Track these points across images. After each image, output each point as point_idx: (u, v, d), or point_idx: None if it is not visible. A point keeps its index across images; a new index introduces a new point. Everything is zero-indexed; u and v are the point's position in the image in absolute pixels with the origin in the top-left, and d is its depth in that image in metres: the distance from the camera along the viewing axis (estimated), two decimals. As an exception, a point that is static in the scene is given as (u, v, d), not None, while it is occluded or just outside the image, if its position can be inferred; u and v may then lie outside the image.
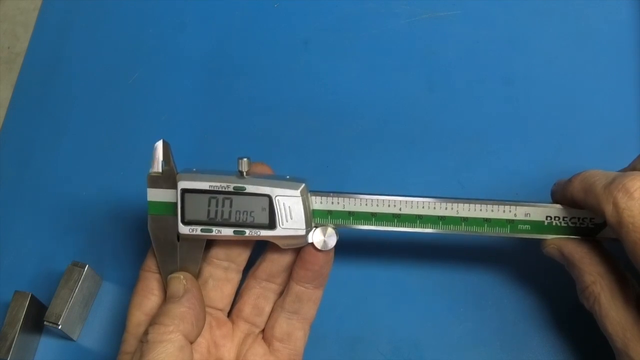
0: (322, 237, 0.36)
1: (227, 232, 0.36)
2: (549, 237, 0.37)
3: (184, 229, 0.36)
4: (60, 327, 0.40)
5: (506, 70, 0.48)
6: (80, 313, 0.42)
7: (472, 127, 0.47)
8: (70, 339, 0.42)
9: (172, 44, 0.51)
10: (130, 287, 0.44)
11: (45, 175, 0.48)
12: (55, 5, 0.54)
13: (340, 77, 0.49)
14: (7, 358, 0.40)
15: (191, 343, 0.34)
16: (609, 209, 0.33)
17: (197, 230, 0.36)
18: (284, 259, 0.38)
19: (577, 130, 0.46)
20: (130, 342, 0.35)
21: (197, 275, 0.37)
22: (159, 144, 0.36)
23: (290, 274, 0.38)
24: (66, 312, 0.41)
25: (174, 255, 0.37)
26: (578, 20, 0.49)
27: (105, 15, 0.53)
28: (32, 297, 0.41)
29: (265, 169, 0.38)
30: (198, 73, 0.50)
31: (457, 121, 0.47)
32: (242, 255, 0.38)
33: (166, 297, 0.36)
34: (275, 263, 0.38)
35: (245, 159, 0.36)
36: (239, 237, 0.36)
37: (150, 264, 0.38)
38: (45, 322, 0.40)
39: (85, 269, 0.42)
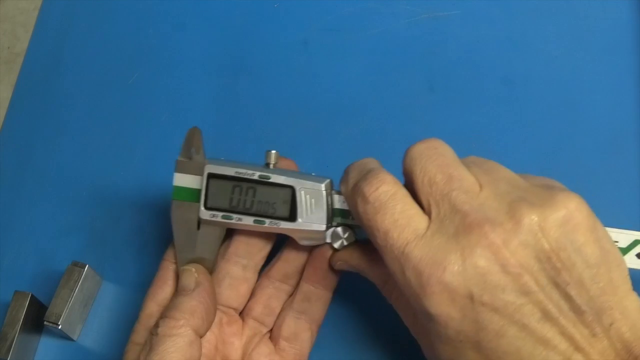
0: (341, 237, 0.36)
1: (248, 220, 0.36)
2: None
3: (205, 214, 0.36)
4: (60, 327, 0.40)
5: (506, 70, 0.48)
6: (80, 313, 0.42)
7: (472, 127, 0.47)
8: (70, 339, 0.42)
9: (172, 44, 0.51)
10: (130, 287, 0.44)
11: (45, 175, 0.48)
12: (55, 5, 0.54)
13: (340, 77, 0.49)
14: (7, 358, 0.40)
15: (200, 337, 0.34)
16: (353, 213, 0.33)
17: (217, 216, 0.36)
18: (299, 260, 0.38)
19: (577, 130, 0.46)
20: (140, 333, 0.35)
21: (212, 266, 0.37)
22: (192, 131, 0.37)
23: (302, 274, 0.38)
24: (66, 312, 0.41)
25: (192, 243, 0.37)
26: (578, 20, 0.49)
27: (105, 15, 0.53)
28: (32, 297, 0.41)
29: (291, 164, 0.38)
30: (198, 73, 0.50)
31: (457, 121, 0.47)
32: (262, 252, 0.38)
33: (177, 289, 0.36)
34: (290, 263, 0.38)
35: (273, 152, 0.36)
36: (258, 226, 0.36)
37: (171, 253, 0.37)
38: (45, 322, 0.40)
39: (85, 269, 0.42)
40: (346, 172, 0.35)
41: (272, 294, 0.38)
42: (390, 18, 0.51)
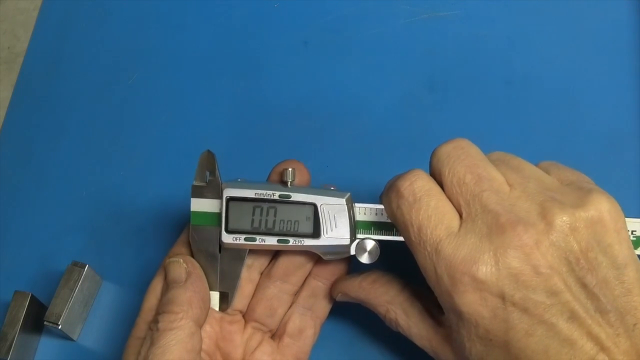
0: (365, 250, 0.36)
1: (271, 241, 0.36)
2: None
3: (227, 238, 0.36)
4: (60, 327, 0.40)
5: (506, 70, 0.48)
6: (80, 313, 0.42)
7: (472, 127, 0.47)
8: (70, 339, 0.42)
9: (172, 44, 0.51)
10: (130, 287, 0.44)
11: (45, 175, 0.48)
12: (55, 5, 0.54)
13: (340, 77, 0.49)
14: (7, 358, 0.40)
15: (200, 327, 0.34)
16: (387, 211, 0.33)
17: (240, 239, 0.36)
18: (299, 259, 0.38)
19: (576, 130, 0.46)
20: (141, 327, 0.35)
21: (236, 289, 0.37)
22: (205, 155, 0.36)
23: (305, 274, 0.38)
24: (66, 312, 0.41)
25: (215, 267, 0.36)
26: (578, 20, 0.49)
27: (105, 15, 0.53)
28: (32, 297, 0.41)
29: (301, 168, 0.37)
30: (198, 73, 0.50)
31: (457, 121, 0.47)
32: (266, 253, 0.38)
33: (167, 282, 0.35)
34: (290, 261, 0.38)
35: (290, 169, 0.36)
36: (282, 246, 0.36)
37: (176, 251, 0.37)
38: (45, 322, 0.40)
39: (85, 269, 0.42)
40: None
41: (274, 295, 0.38)
42: (390, 18, 0.51)
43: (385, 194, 0.33)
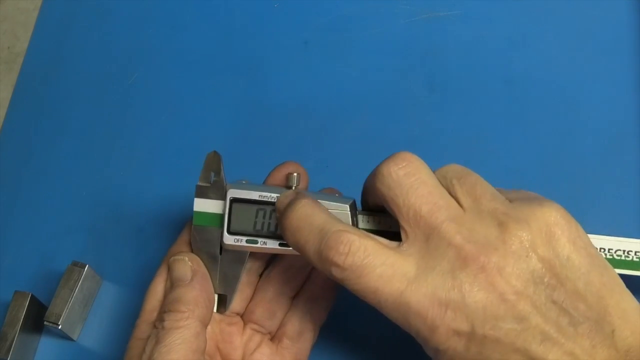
0: None
1: (273, 244, 0.35)
2: None
3: (229, 239, 0.36)
4: (60, 327, 0.40)
5: (506, 70, 0.48)
6: (80, 313, 0.42)
7: (472, 127, 0.47)
8: (70, 339, 0.42)
9: (172, 44, 0.51)
10: (130, 287, 0.44)
11: (45, 175, 0.48)
12: (55, 5, 0.54)
13: (340, 77, 0.49)
14: (7, 358, 0.40)
15: (205, 326, 0.34)
16: (332, 278, 0.30)
17: (242, 241, 0.36)
18: (299, 261, 0.37)
19: (576, 130, 0.46)
20: (142, 328, 0.35)
21: (235, 292, 0.37)
22: (211, 155, 0.36)
23: (304, 277, 0.38)
24: (66, 312, 0.41)
25: (215, 269, 0.36)
26: (578, 20, 0.49)
27: (105, 15, 0.53)
28: (32, 297, 0.41)
29: (303, 173, 0.37)
30: (198, 73, 0.50)
31: (457, 121, 0.47)
32: (263, 255, 0.38)
33: (172, 280, 0.35)
34: (290, 264, 0.38)
35: (295, 174, 0.36)
36: (284, 250, 0.35)
37: (176, 249, 0.37)
38: (45, 322, 0.41)
39: (85, 269, 0.42)
40: (289, 225, 0.32)
41: (273, 298, 0.38)
42: (390, 18, 0.51)
43: (320, 266, 0.31)
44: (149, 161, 0.48)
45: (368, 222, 0.35)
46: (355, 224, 0.35)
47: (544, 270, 0.29)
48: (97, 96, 0.50)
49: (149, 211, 0.46)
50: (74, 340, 0.43)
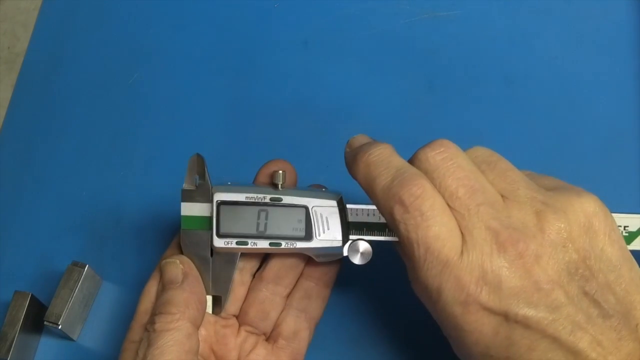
0: (358, 251, 0.36)
1: (263, 244, 0.35)
2: None
3: (218, 242, 0.36)
4: (60, 327, 0.40)
5: (506, 70, 0.48)
6: (80, 313, 0.42)
7: (472, 126, 0.47)
8: (70, 339, 0.42)
9: (172, 44, 0.51)
10: (130, 287, 0.44)
11: (45, 175, 0.48)
12: (55, 5, 0.54)
13: (340, 77, 0.49)
14: (7, 358, 0.40)
15: (197, 328, 0.34)
16: (389, 219, 0.31)
17: (232, 243, 0.36)
18: (290, 260, 0.37)
19: (577, 130, 0.46)
20: (136, 330, 0.35)
21: (229, 292, 0.37)
22: (194, 158, 0.36)
23: (297, 275, 0.38)
24: (66, 312, 0.41)
25: (207, 271, 0.36)
26: (578, 20, 0.49)
27: (105, 15, 0.53)
28: (32, 297, 0.41)
29: (289, 169, 0.37)
30: (198, 73, 0.50)
31: (457, 121, 0.47)
32: (256, 255, 0.38)
33: (163, 283, 0.35)
34: (282, 263, 0.37)
35: (280, 172, 0.36)
36: (274, 249, 0.35)
37: (169, 253, 0.37)
38: (45, 322, 0.41)
39: (85, 269, 0.42)
40: (358, 162, 0.32)
41: (266, 298, 0.38)
42: (390, 18, 0.51)
43: (384, 199, 0.31)
44: (149, 161, 0.48)
45: (357, 215, 0.35)
46: (344, 218, 0.35)
47: (578, 261, 0.29)
48: (97, 96, 0.50)
49: (149, 211, 0.46)
50: (73, 340, 0.43)
